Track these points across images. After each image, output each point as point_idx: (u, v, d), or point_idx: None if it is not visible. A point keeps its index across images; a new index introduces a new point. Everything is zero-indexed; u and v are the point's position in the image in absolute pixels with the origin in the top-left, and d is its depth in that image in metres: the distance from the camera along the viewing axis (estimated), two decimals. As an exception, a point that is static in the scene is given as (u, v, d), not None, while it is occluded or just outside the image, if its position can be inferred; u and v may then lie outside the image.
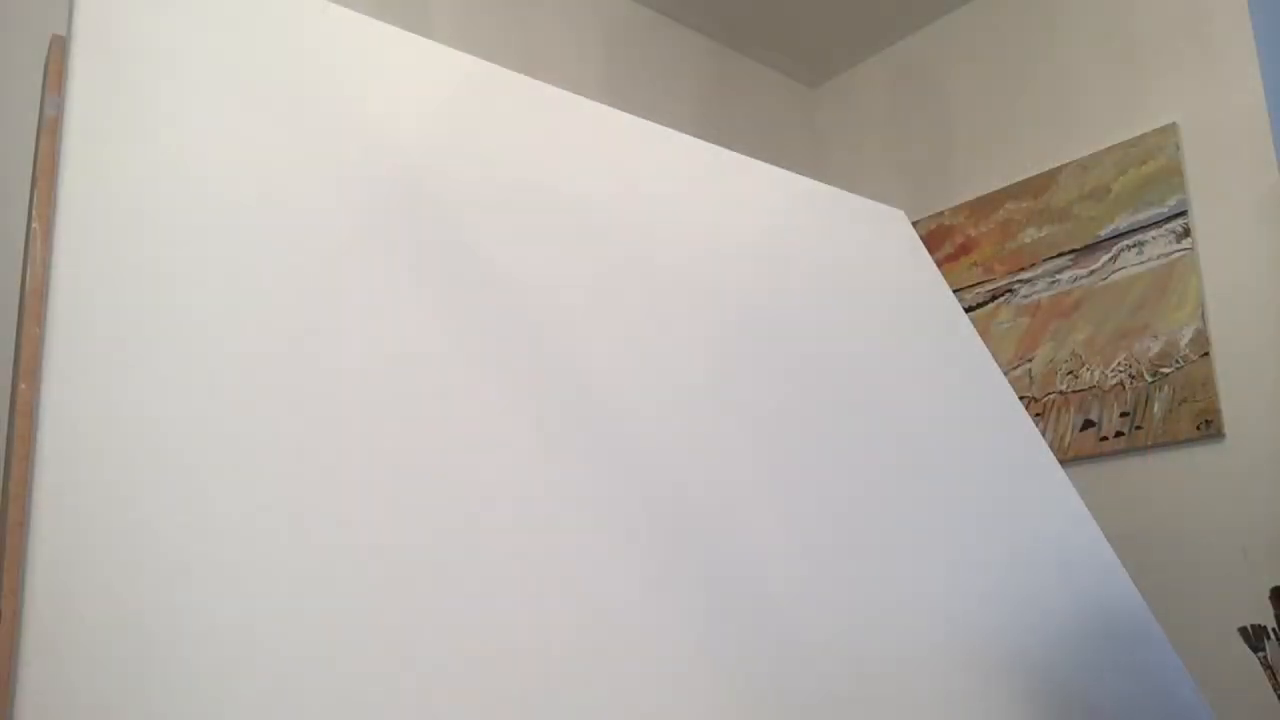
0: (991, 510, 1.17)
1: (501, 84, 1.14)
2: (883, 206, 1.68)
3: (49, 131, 0.77)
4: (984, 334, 2.53)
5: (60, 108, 0.76)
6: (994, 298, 2.52)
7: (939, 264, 2.60)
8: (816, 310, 1.23)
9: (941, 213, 2.67)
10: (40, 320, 0.68)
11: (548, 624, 0.74)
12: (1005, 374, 2.33)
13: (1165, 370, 2.19)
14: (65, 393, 0.64)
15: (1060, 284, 2.40)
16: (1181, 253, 2.20)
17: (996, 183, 2.58)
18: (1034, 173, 2.50)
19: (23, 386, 0.66)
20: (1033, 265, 2.45)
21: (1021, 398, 2.41)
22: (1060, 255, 2.41)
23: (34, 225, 0.73)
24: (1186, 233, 2.20)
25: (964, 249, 2.60)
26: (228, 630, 0.58)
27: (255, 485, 0.66)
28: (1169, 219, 2.23)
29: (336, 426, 0.74)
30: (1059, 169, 2.44)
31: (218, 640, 0.57)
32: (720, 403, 1.02)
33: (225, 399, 0.71)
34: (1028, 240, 2.48)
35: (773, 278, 1.22)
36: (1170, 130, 2.25)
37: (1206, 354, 2.13)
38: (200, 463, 0.66)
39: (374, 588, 0.67)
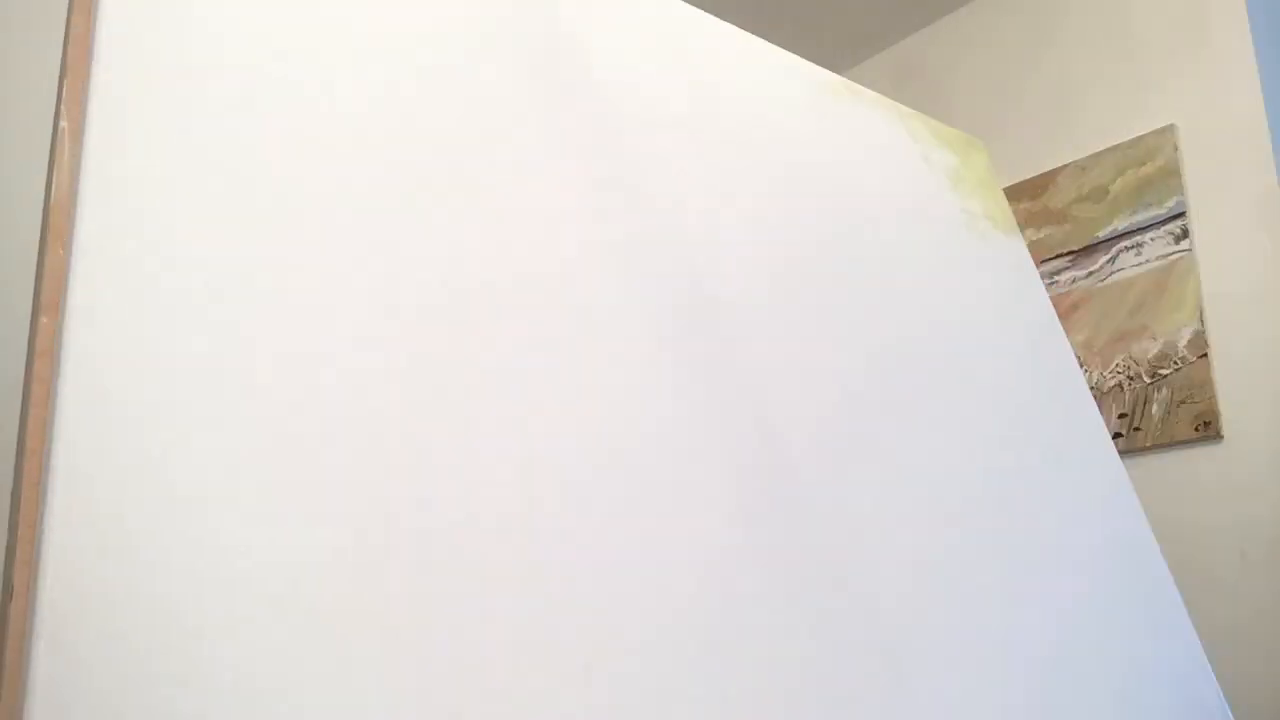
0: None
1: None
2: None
3: (81, 10, 0.65)
4: (982, 335, 2.52)
5: None
6: (992, 299, 2.52)
7: (937, 265, 2.59)
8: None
9: (940, 214, 2.66)
10: (65, 240, 0.57)
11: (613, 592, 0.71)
12: (1003, 375, 2.33)
13: (1164, 372, 2.18)
14: (91, 331, 0.55)
15: (1059, 285, 2.39)
16: (1180, 254, 2.20)
17: (995, 184, 2.57)
18: (1033, 174, 2.50)
19: (44, 320, 0.56)
20: (1031, 266, 2.45)
21: (1019, 399, 2.40)
22: (1059, 256, 2.41)
23: (62, 124, 0.61)
24: (1185, 234, 2.19)
25: (962, 250, 2.60)
26: (243, 620, 0.56)
27: (287, 458, 0.61)
28: (1167, 220, 2.23)
29: (374, 393, 0.68)
30: (1058, 170, 2.43)
31: (234, 628, 0.55)
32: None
33: (266, 351, 0.63)
34: (1026, 241, 2.47)
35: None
36: (1169, 132, 2.25)
37: (1205, 355, 2.12)
38: (242, 423, 0.59)
39: (408, 577, 0.63)
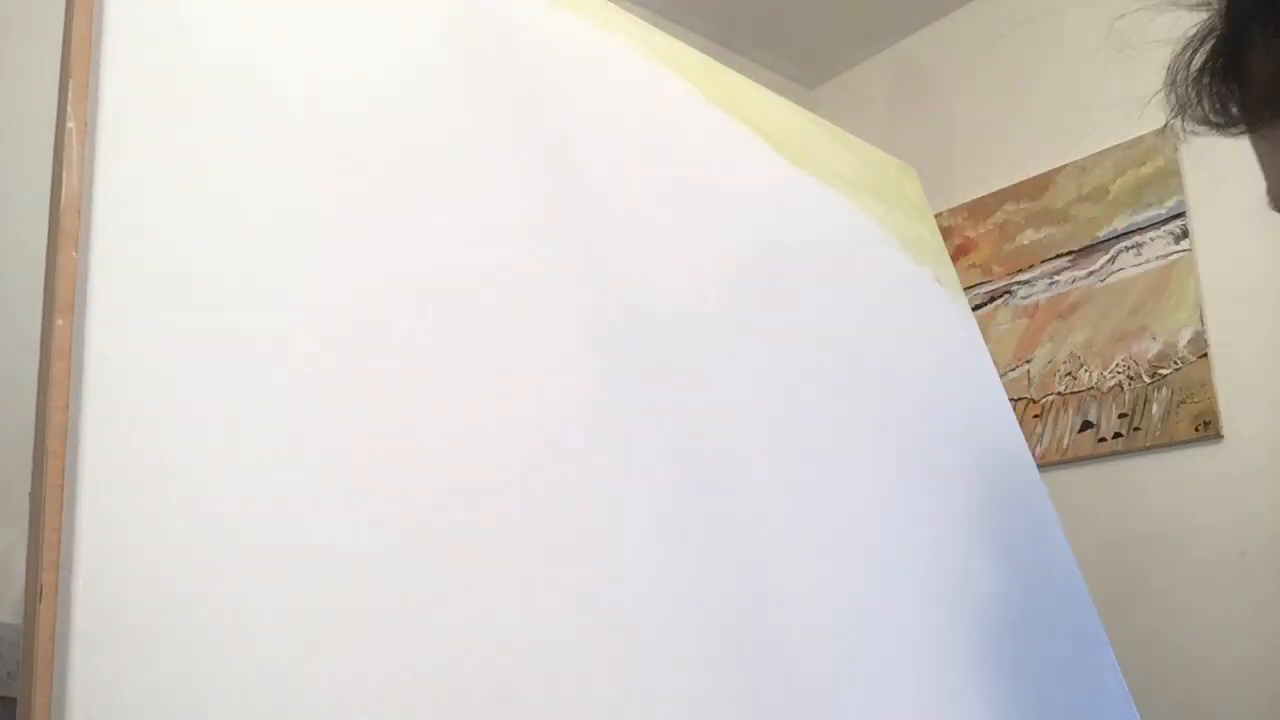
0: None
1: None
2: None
3: (83, 10, 0.64)
4: (982, 335, 2.53)
5: None
6: (992, 299, 2.52)
7: (937, 265, 2.59)
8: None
9: (940, 214, 2.66)
10: (78, 242, 0.57)
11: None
12: (1003, 375, 2.33)
13: (1164, 372, 2.18)
14: (111, 332, 0.54)
15: (1059, 285, 2.39)
16: (1180, 254, 2.20)
17: (995, 184, 2.57)
18: (1032, 174, 2.50)
19: (59, 322, 0.55)
20: (1031, 267, 2.45)
21: (1020, 399, 2.40)
22: (1059, 257, 2.41)
23: (69, 125, 0.60)
24: (1185, 234, 2.20)
25: (962, 250, 2.60)
26: (264, 619, 0.56)
27: (304, 458, 0.60)
28: (1167, 220, 2.23)
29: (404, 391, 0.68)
30: (1057, 170, 2.44)
31: (255, 627, 0.55)
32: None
33: (279, 351, 0.62)
34: (1026, 242, 2.47)
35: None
36: (1169, 132, 2.24)
37: (1205, 355, 2.12)
38: (265, 421, 0.58)
39: (447, 573, 0.63)
